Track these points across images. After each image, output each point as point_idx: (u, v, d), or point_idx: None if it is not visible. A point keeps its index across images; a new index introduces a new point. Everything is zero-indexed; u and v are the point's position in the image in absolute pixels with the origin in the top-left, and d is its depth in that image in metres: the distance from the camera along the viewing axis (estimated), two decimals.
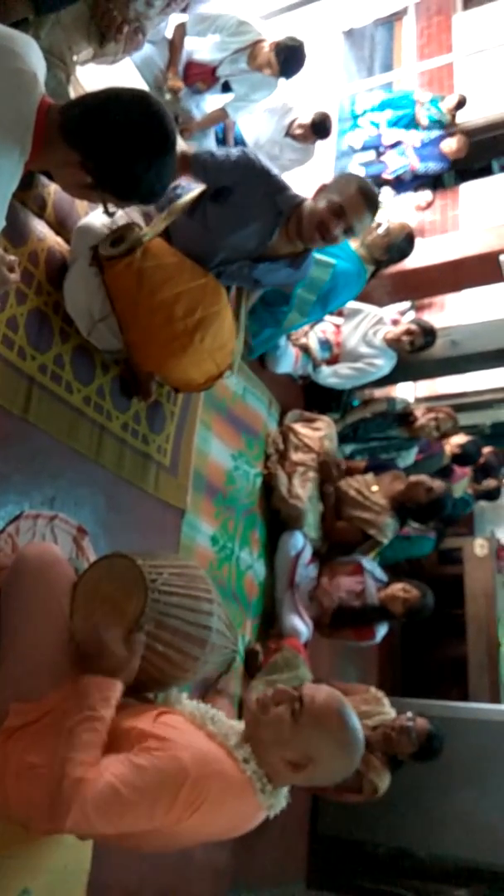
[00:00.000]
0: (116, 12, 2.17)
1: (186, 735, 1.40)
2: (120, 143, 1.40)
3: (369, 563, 3.53)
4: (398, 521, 3.71)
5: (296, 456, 3.56)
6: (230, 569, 3.13)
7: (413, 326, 3.90)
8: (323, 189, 2.28)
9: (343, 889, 3.51)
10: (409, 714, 3.05)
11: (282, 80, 3.67)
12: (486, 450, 4.72)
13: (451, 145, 5.32)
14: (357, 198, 2.23)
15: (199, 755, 1.36)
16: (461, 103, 5.58)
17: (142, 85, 2.95)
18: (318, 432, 3.71)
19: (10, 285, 1.51)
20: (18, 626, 1.52)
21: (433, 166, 5.33)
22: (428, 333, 3.90)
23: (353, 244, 3.55)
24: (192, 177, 2.26)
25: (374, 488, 3.66)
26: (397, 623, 3.51)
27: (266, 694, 1.50)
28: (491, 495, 4.86)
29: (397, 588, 3.38)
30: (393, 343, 3.88)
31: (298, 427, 3.71)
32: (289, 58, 3.50)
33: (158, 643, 1.56)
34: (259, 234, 2.28)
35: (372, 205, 2.27)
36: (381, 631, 3.49)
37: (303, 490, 3.47)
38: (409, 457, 4.30)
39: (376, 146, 5.38)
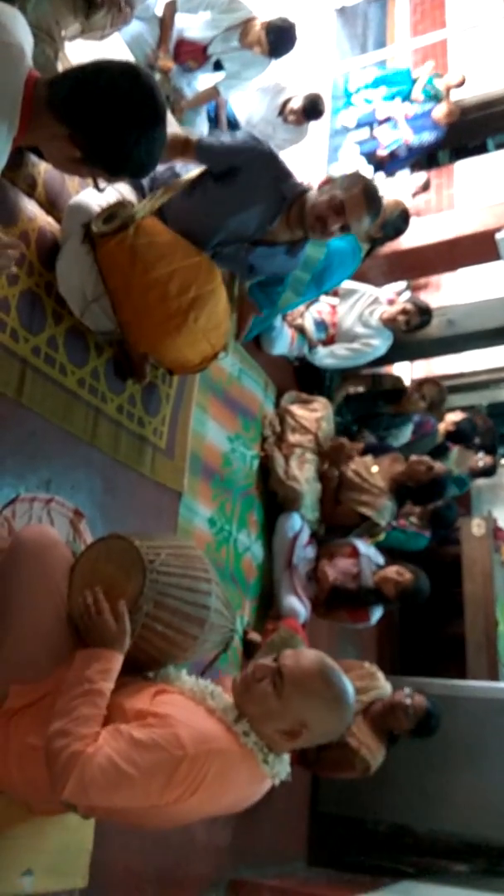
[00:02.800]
0: None
1: (185, 712, 1.40)
2: (109, 116, 1.37)
3: (365, 545, 3.52)
4: (396, 504, 3.70)
5: (293, 437, 3.56)
6: (228, 551, 3.13)
7: (409, 306, 3.88)
8: (329, 182, 2.28)
9: (344, 866, 3.53)
10: (408, 690, 3.04)
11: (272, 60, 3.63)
12: (477, 418, 4.73)
13: (441, 110, 5.24)
14: (359, 198, 2.23)
15: (198, 733, 1.35)
16: (461, 83, 5.50)
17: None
18: (315, 413, 3.70)
19: (12, 261, 1.49)
20: (16, 609, 1.51)
21: (427, 137, 5.24)
22: (424, 313, 3.88)
23: None
24: (192, 161, 2.25)
25: (374, 469, 3.65)
26: (393, 605, 3.51)
27: (247, 671, 1.50)
28: (487, 472, 4.86)
29: (391, 570, 3.38)
30: (389, 323, 3.87)
31: (295, 408, 3.69)
32: (279, 38, 3.46)
33: (157, 623, 1.55)
34: (260, 219, 2.27)
35: (373, 207, 2.28)
36: (376, 614, 3.49)
37: (300, 472, 3.46)
38: (404, 436, 4.28)
39: (370, 122, 5.31)
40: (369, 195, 2.26)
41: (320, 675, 1.46)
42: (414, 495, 3.71)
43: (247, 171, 2.21)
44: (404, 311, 3.85)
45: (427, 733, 3.00)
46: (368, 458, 3.74)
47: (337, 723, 1.49)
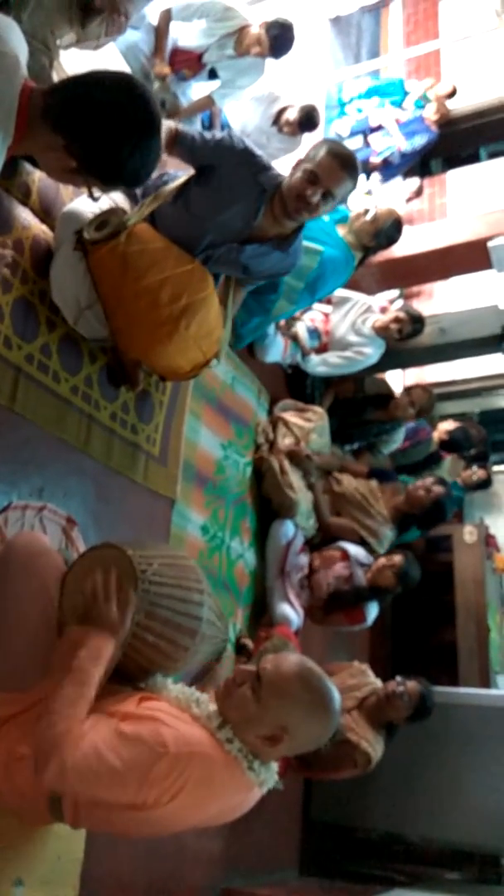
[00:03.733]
0: None
1: (170, 717, 1.40)
2: (104, 127, 1.38)
3: (353, 547, 3.54)
4: (396, 533, 3.73)
5: (284, 444, 3.56)
6: (221, 558, 3.12)
7: (401, 314, 3.89)
8: (299, 163, 2.26)
9: (336, 874, 3.53)
10: (399, 678, 3.07)
11: (269, 65, 3.64)
12: (470, 426, 4.73)
13: (431, 110, 5.27)
14: (328, 160, 2.18)
15: (181, 736, 1.35)
16: (452, 94, 5.54)
17: (127, 72, 2.91)
18: (309, 423, 3.69)
19: (8, 260, 1.49)
20: (6, 616, 1.51)
21: (419, 140, 5.24)
22: (416, 321, 3.90)
23: (341, 231, 3.54)
24: (178, 153, 2.24)
25: (379, 496, 3.69)
26: (390, 604, 3.52)
27: (228, 677, 1.50)
28: (482, 485, 4.86)
29: (381, 561, 3.41)
30: (381, 331, 3.88)
31: (289, 416, 3.70)
32: (280, 36, 3.47)
33: (149, 633, 1.55)
34: (244, 214, 2.25)
35: (345, 164, 2.21)
36: (372, 613, 3.50)
37: (296, 478, 3.47)
38: (395, 441, 4.29)
39: (363, 131, 5.34)
40: (336, 153, 2.20)
41: (298, 678, 1.45)
42: (418, 522, 3.74)
43: (223, 168, 2.20)
44: (396, 320, 3.86)
45: (425, 715, 3.03)
46: (374, 484, 3.76)
47: (319, 728, 1.47)
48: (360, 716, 2.99)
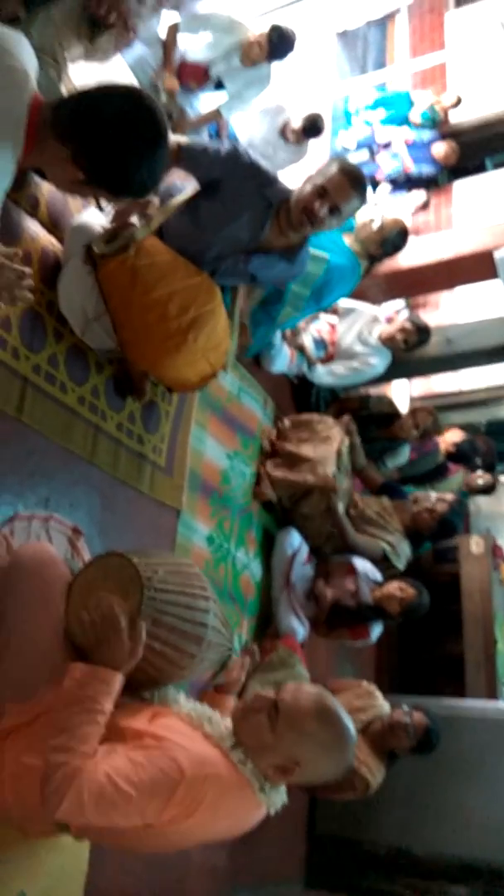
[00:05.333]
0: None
1: (183, 736, 1.39)
2: (112, 139, 1.39)
3: (362, 562, 3.51)
4: (412, 549, 3.73)
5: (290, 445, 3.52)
6: (226, 568, 3.12)
7: (407, 325, 3.89)
8: (309, 178, 2.29)
9: (342, 888, 3.49)
10: (406, 708, 3.03)
11: (276, 77, 3.66)
12: (478, 438, 4.70)
13: (440, 150, 5.34)
14: (338, 177, 2.22)
15: (195, 757, 1.35)
16: (457, 104, 5.58)
17: (135, 85, 2.94)
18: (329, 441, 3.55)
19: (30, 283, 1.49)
20: (14, 627, 1.51)
21: (426, 169, 5.33)
22: (422, 331, 3.90)
23: (347, 239, 3.56)
24: (184, 167, 2.26)
25: (393, 512, 3.69)
26: (393, 622, 3.50)
27: (246, 701, 1.49)
28: (487, 491, 4.85)
29: (393, 587, 3.34)
30: (388, 341, 3.88)
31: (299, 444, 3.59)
32: (280, 38, 3.50)
33: (155, 641, 1.55)
34: (251, 226, 2.28)
35: (355, 182, 2.25)
36: (376, 631, 3.48)
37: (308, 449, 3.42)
38: (402, 457, 4.28)
39: (370, 144, 5.37)
40: (347, 171, 2.25)
41: (317, 715, 1.44)
42: (429, 537, 3.75)
43: (230, 182, 2.23)
44: (402, 330, 3.87)
45: (428, 750, 2.98)
46: (386, 501, 3.75)
47: (332, 765, 1.47)
48: (364, 741, 2.93)
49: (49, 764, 1.31)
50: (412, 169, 5.28)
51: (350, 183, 2.23)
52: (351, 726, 1.48)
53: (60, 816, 1.29)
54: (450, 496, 3.71)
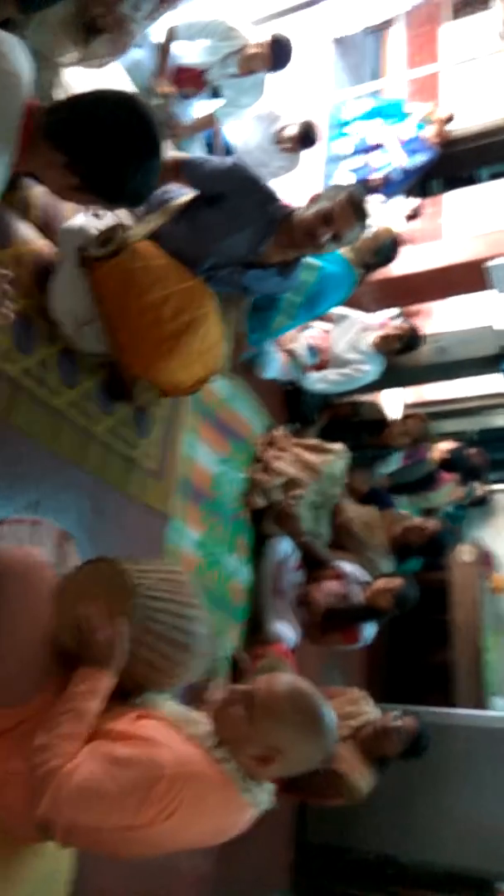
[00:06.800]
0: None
1: (165, 737, 1.39)
2: (106, 146, 1.39)
3: (350, 565, 3.52)
4: (395, 564, 3.74)
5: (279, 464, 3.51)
6: (216, 574, 3.11)
7: (404, 325, 3.94)
8: (315, 198, 2.31)
9: None
10: (396, 713, 3.04)
11: (271, 84, 3.67)
12: (472, 451, 4.72)
13: (430, 131, 5.33)
14: (345, 206, 2.26)
15: (177, 756, 1.35)
16: (449, 120, 5.59)
17: (131, 90, 2.94)
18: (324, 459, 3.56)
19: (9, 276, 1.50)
20: (0, 631, 1.50)
21: (421, 158, 5.30)
22: (416, 333, 3.93)
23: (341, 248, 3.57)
24: (184, 180, 2.27)
25: (380, 524, 3.69)
26: (386, 623, 3.51)
27: (223, 695, 1.50)
28: (480, 502, 4.86)
29: (380, 583, 3.39)
30: (382, 343, 3.90)
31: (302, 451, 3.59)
32: (281, 50, 3.51)
33: (143, 648, 1.54)
34: (250, 241, 2.29)
35: (360, 214, 2.31)
36: (369, 632, 3.49)
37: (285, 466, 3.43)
38: (392, 464, 4.29)
39: (364, 150, 5.38)
40: (355, 201, 2.29)
41: (289, 698, 1.44)
42: (419, 552, 3.75)
43: (232, 197, 2.24)
44: (398, 329, 3.90)
45: (418, 754, 3.00)
46: (374, 511, 3.75)
47: (312, 748, 1.46)
48: (354, 746, 2.96)
49: (32, 763, 1.32)
50: (406, 162, 5.27)
51: (356, 214, 2.29)
52: (327, 708, 1.47)
53: (41, 814, 1.29)
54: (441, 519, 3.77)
